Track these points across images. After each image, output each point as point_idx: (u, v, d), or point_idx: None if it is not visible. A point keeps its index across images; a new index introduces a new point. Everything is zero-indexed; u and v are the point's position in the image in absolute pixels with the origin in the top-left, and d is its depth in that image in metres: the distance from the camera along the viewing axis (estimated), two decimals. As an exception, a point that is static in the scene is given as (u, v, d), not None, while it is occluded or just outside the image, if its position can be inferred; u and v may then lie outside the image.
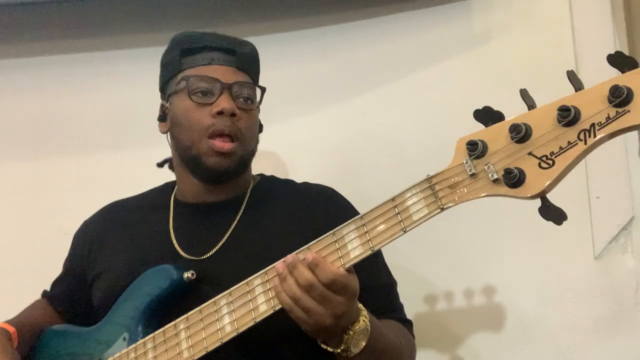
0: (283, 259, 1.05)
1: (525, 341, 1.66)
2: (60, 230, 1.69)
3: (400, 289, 1.35)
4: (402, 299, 1.34)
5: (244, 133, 1.31)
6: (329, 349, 1.07)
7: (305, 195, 1.36)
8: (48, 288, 1.50)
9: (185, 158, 1.33)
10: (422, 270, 1.72)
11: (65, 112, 1.98)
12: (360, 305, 1.08)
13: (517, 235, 1.69)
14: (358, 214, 1.32)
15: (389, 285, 1.33)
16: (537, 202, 0.92)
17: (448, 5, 1.83)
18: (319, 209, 1.32)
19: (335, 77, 1.89)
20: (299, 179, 1.46)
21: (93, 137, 1.97)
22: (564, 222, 0.91)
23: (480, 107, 0.95)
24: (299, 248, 1.06)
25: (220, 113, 1.28)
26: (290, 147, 1.86)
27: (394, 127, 1.83)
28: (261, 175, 1.46)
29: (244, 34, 1.94)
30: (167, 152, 1.47)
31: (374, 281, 1.26)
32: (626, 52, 1.71)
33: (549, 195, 0.91)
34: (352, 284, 1.03)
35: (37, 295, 1.49)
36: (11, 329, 1.29)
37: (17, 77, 2.00)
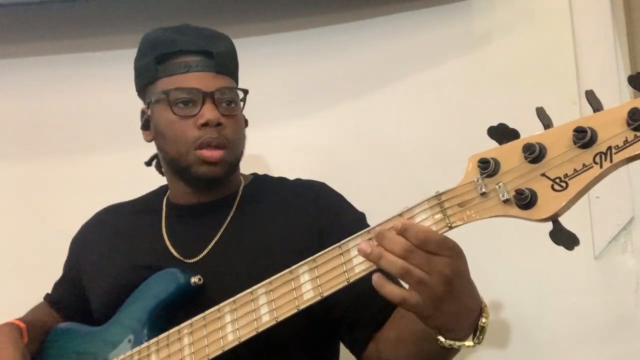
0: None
1: (524, 341, 1.66)
2: (60, 231, 1.69)
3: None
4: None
5: (231, 140, 1.29)
6: (459, 343, 0.94)
7: (297, 190, 1.36)
8: (48, 288, 1.51)
9: (173, 168, 1.33)
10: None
11: (65, 112, 1.98)
12: (481, 298, 0.97)
13: (517, 235, 1.68)
14: (350, 205, 1.33)
15: None
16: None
17: (448, 5, 1.83)
18: (310, 202, 1.31)
19: (334, 78, 1.89)
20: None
21: (93, 137, 1.97)
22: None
23: (495, 124, 0.92)
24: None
25: (205, 125, 1.25)
26: (286, 149, 1.85)
27: (393, 128, 1.83)
28: (254, 174, 1.46)
29: (240, 34, 1.94)
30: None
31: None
32: (626, 52, 1.72)
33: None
34: (449, 241, 0.92)
35: (37, 295, 1.49)
36: (22, 325, 1.30)
37: (17, 77, 2.00)
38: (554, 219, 0.87)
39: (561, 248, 1.68)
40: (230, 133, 1.28)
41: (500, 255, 1.70)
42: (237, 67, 1.39)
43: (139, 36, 1.39)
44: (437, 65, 1.82)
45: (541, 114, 0.90)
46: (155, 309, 1.22)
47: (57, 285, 1.49)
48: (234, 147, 1.30)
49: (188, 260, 1.27)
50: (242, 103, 1.34)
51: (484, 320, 0.94)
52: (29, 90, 2.00)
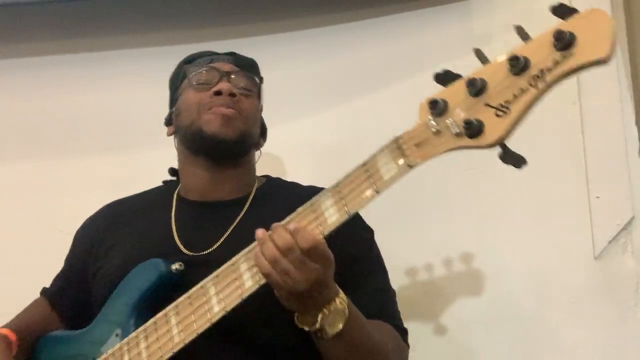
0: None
1: (525, 341, 1.66)
2: (60, 230, 1.69)
3: (404, 295, 1.35)
4: (407, 307, 1.34)
5: (245, 112, 1.35)
6: (305, 328, 1.08)
7: (309, 198, 1.36)
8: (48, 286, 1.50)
9: (188, 138, 1.36)
10: (422, 270, 1.72)
11: (65, 112, 1.98)
12: (338, 288, 1.09)
13: (517, 235, 1.69)
14: (361, 220, 1.34)
15: (385, 290, 1.32)
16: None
17: (448, 5, 1.83)
18: None
19: (334, 78, 1.89)
20: (296, 180, 1.47)
21: (93, 137, 1.97)
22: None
23: (440, 71, 1.02)
24: None
25: (218, 93, 1.33)
26: (288, 148, 1.85)
27: (393, 128, 1.82)
28: (267, 176, 1.47)
29: (243, 34, 1.95)
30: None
31: (369, 283, 1.27)
32: (626, 52, 1.72)
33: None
34: (328, 252, 1.05)
35: (37, 296, 1.49)
36: (12, 337, 1.29)
37: (17, 77, 2.00)
38: (500, 142, 0.94)
39: (560, 248, 1.69)
40: (243, 106, 1.35)
41: (500, 255, 1.70)
42: (258, 74, 1.45)
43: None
44: (436, 65, 1.80)
45: (479, 53, 1.00)
46: (139, 300, 1.22)
47: (57, 278, 1.48)
48: (247, 120, 1.36)
49: (195, 254, 1.27)
50: (259, 94, 1.42)
51: (325, 312, 1.06)
52: (29, 90, 2.00)
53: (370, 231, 1.36)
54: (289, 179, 1.50)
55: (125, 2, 1.94)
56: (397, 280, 1.35)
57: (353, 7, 1.90)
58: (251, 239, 1.27)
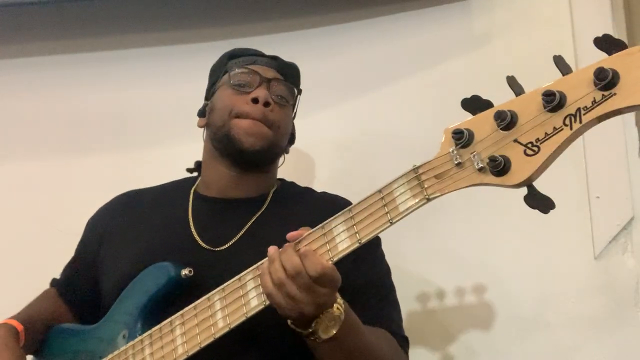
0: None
1: (525, 341, 1.66)
2: (60, 230, 1.69)
3: (401, 291, 1.35)
4: (406, 306, 1.33)
5: (275, 122, 1.35)
6: (297, 329, 1.06)
7: (323, 204, 1.37)
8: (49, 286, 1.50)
9: (216, 138, 1.36)
10: (419, 268, 1.72)
11: (65, 112, 1.98)
12: (338, 295, 1.07)
13: (517, 235, 1.69)
14: None
15: (387, 295, 1.32)
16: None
17: (448, 5, 1.83)
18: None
19: (335, 78, 1.89)
20: (298, 178, 1.47)
21: (93, 137, 1.97)
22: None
23: (469, 96, 0.94)
24: None
25: (255, 101, 1.33)
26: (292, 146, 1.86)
27: (393, 127, 1.83)
28: (282, 180, 1.48)
29: (243, 34, 1.94)
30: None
31: (371, 287, 1.27)
32: (626, 52, 1.71)
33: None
34: (337, 276, 1.03)
35: (36, 296, 1.49)
36: (19, 327, 1.29)
37: (17, 77, 2.00)
38: (527, 183, 0.88)
39: (561, 248, 1.69)
40: (276, 117, 1.36)
41: (500, 255, 1.70)
42: (299, 83, 1.46)
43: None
44: (436, 65, 1.82)
45: (512, 82, 0.91)
46: (147, 303, 1.22)
47: (66, 268, 1.48)
48: (277, 132, 1.36)
49: (213, 248, 1.28)
50: (294, 105, 1.43)
51: (321, 316, 1.04)
52: (28, 90, 2.00)
53: (376, 237, 1.36)
54: (288, 178, 1.50)
55: (125, 2, 1.94)
56: (407, 287, 1.36)
57: (353, 7, 1.90)
58: (270, 235, 1.27)
